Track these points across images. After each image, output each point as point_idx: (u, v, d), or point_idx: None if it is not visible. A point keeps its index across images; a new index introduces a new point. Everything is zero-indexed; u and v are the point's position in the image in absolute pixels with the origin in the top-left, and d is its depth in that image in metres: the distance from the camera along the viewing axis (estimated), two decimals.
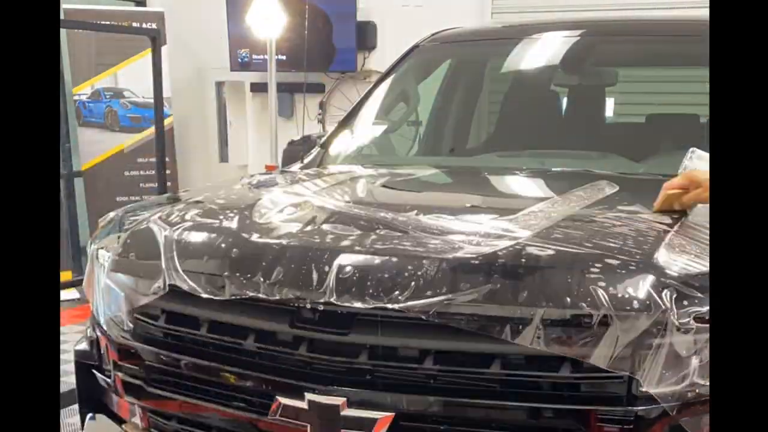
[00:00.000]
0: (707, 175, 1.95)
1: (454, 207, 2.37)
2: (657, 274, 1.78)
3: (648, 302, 1.73)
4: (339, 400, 1.88)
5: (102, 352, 2.44)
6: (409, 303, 1.82)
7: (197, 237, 2.21)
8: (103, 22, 6.17)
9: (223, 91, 7.63)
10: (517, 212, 2.14)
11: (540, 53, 3.49)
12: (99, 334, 2.45)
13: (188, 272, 2.11)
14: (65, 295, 6.02)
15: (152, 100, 5.00)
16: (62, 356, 3.62)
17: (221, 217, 2.31)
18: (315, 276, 1.96)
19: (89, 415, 2.48)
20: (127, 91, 6.83)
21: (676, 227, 2.02)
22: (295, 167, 3.25)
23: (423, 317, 1.81)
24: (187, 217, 2.33)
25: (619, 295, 1.75)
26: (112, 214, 2.57)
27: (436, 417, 1.85)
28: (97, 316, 2.46)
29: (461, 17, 5.31)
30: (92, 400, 2.49)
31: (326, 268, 1.96)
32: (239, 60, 6.98)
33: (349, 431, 1.88)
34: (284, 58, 6.31)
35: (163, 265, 2.15)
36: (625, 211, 2.25)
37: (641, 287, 1.76)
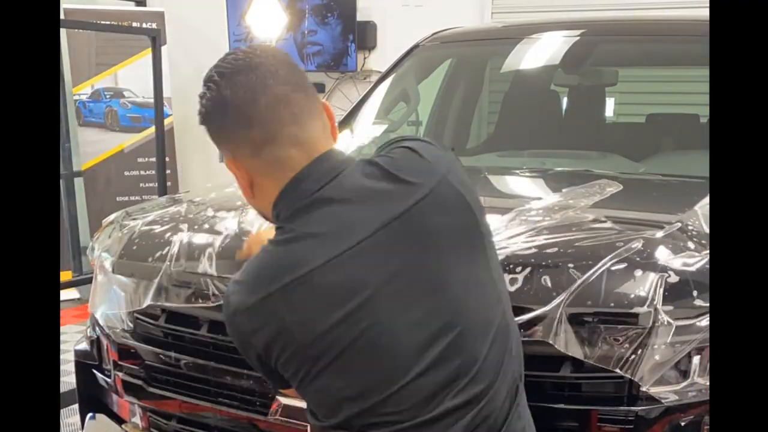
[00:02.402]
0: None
1: None
2: (653, 271, 1.78)
3: (643, 300, 1.73)
4: None
5: (102, 352, 2.44)
6: None
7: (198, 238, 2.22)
8: (103, 22, 6.17)
9: None
10: (516, 212, 2.14)
11: (540, 53, 3.49)
12: (99, 334, 2.45)
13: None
14: (65, 295, 6.02)
15: (152, 100, 5.00)
16: (62, 356, 3.62)
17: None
18: None
19: (89, 415, 2.48)
20: (127, 91, 6.82)
21: (672, 225, 2.02)
22: None
23: None
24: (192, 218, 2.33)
25: (614, 293, 1.75)
26: (113, 216, 2.58)
27: None
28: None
29: (461, 17, 5.31)
30: (92, 400, 2.50)
31: None
32: None
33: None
34: None
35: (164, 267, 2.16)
36: (623, 210, 2.25)
37: (637, 285, 1.76)
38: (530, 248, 1.88)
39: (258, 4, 5.45)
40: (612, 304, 1.74)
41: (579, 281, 1.77)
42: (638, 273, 1.78)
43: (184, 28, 7.14)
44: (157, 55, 4.77)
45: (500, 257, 1.85)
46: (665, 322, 1.71)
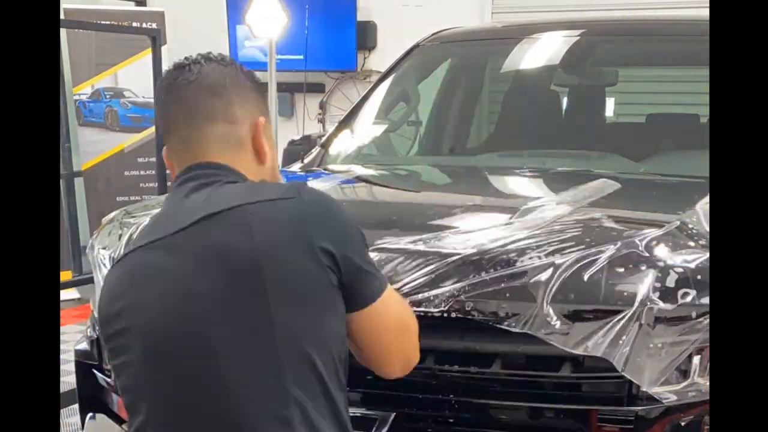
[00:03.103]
0: None
1: (455, 206, 2.37)
2: (653, 269, 1.78)
3: (640, 297, 1.73)
4: None
5: (102, 351, 2.44)
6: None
7: None
8: (103, 22, 6.17)
9: None
10: (515, 212, 2.14)
11: (540, 53, 3.49)
12: (99, 333, 2.44)
13: None
14: (65, 295, 6.02)
15: (152, 100, 5.00)
16: (62, 356, 3.61)
17: None
18: None
19: (89, 415, 2.48)
20: (127, 91, 6.82)
21: (671, 224, 2.02)
22: (295, 167, 3.25)
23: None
24: None
25: (609, 290, 1.75)
26: (113, 214, 2.57)
27: (436, 417, 1.85)
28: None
29: (461, 17, 5.31)
30: (92, 400, 2.49)
31: None
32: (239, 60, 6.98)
33: None
34: (284, 57, 6.31)
35: None
36: (620, 209, 2.25)
37: (636, 282, 1.76)
38: (529, 248, 1.87)
39: (258, 4, 5.44)
40: (610, 302, 1.74)
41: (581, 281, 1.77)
42: (638, 271, 1.78)
43: (184, 28, 7.14)
44: (157, 55, 4.77)
45: (500, 255, 1.85)
46: (664, 321, 1.71)
